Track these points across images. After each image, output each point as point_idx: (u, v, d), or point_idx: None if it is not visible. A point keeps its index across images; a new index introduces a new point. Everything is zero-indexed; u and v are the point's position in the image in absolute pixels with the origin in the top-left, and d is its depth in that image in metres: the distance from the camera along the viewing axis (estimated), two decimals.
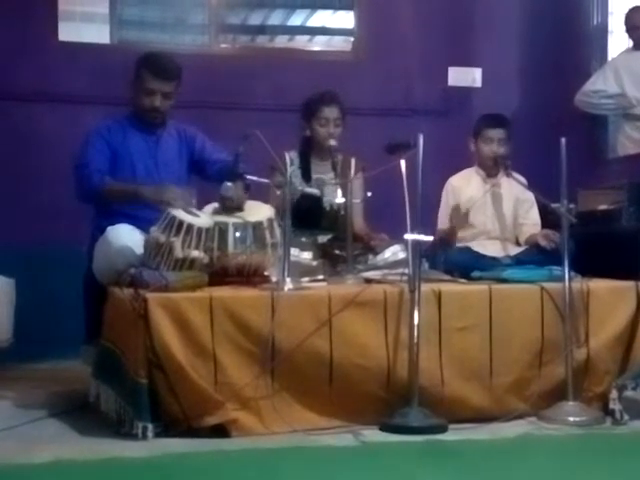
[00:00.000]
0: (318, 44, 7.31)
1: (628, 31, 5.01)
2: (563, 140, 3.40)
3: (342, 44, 6.22)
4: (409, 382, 3.09)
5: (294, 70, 5.22)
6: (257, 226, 3.33)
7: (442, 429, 3.05)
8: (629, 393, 3.30)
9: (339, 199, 3.69)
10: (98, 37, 5.46)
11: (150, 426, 2.91)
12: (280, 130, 4.20)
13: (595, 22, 5.28)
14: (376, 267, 3.64)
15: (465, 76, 5.40)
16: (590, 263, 3.61)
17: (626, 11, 5.04)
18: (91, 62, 4.90)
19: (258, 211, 3.43)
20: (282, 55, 5.70)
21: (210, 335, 2.98)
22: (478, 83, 5.41)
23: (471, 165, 4.23)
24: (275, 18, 7.37)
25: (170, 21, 6.59)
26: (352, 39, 5.81)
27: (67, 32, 5.19)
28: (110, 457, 2.71)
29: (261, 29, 7.19)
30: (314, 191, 3.70)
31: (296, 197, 3.61)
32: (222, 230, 3.28)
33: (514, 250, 3.95)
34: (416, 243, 3.23)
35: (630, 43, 5.04)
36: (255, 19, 7.22)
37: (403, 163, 3.42)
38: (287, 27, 7.16)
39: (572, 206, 3.42)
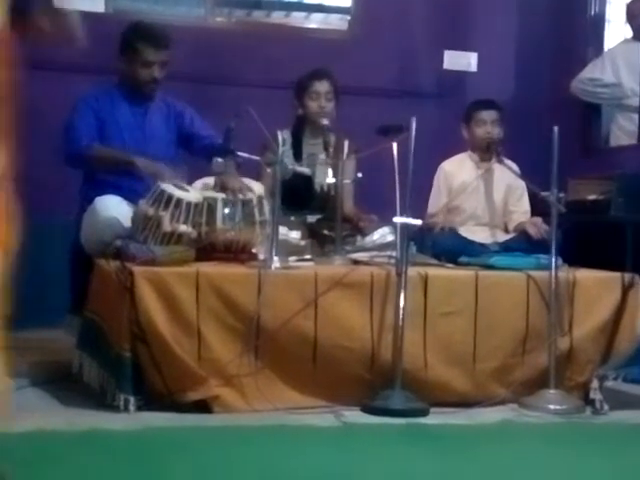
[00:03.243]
0: (314, 21, 7.26)
1: (628, 21, 5.00)
2: (555, 129, 3.40)
3: (338, 22, 6.17)
4: (392, 365, 3.10)
5: (289, 47, 5.18)
6: (246, 203, 3.32)
7: (423, 412, 3.06)
8: (610, 383, 3.31)
9: (329, 179, 3.69)
10: (93, 4, 5.40)
11: (132, 399, 2.91)
12: (273, 107, 4.18)
13: (593, 11, 5.26)
14: (364, 249, 3.64)
15: (460, 60, 5.38)
16: (577, 252, 3.62)
17: (626, 1, 5.02)
18: (85, 30, 4.84)
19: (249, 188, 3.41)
20: (277, 31, 5.66)
21: (195, 310, 2.98)
22: (473, 67, 5.39)
23: (464, 150, 4.22)
24: None
25: None
26: (348, 17, 5.77)
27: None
28: (91, 429, 2.71)
29: (257, 4, 7.14)
30: (305, 170, 3.68)
31: (287, 176, 3.60)
32: (211, 206, 3.27)
33: (502, 237, 3.96)
34: (405, 226, 3.23)
35: (629, 33, 5.02)
36: None
37: (395, 146, 3.40)
38: (284, 3, 7.11)
39: (562, 195, 3.42)
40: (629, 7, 4.97)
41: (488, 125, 4.05)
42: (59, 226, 3.89)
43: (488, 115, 4.06)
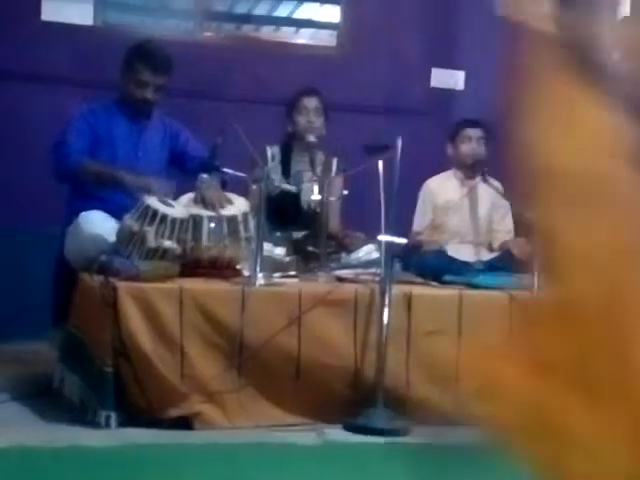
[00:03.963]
0: (303, 36, 7.29)
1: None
2: None
3: (327, 37, 6.20)
4: (375, 383, 3.10)
5: (278, 63, 5.20)
6: (232, 220, 3.33)
7: (405, 431, 3.07)
8: None
9: (316, 196, 3.70)
10: (82, 17, 5.40)
11: (113, 415, 2.91)
12: (262, 123, 4.21)
13: None
14: (349, 266, 3.64)
15: (448, 78, 5.41)
16: None
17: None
18: (73, 43, 4.85)
19: (234, 204, 3.42)
20: (266, 47, 5.68)
21: (179, 327, 2.98)
22: (460, 86, 5.42)
23: (449, 168, 4.24)
24: (262, 8, 7.34)
25: (155, 5, 6.55)
26: (337, 33, 5.80)
27: (50, 11, 5.13)
28: (71, 445, 2.71)
29: (247, 18, 7.16)
30: (291, 188, 3.69)
31: (274, 193, 3.62)
32: (197, 222, 3.27)
33: (487, 255, 3.97)
34: (389, 245, 3.25)
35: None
36: (241, 8, 7.20)
37: (381, 164, 3.42)
38: (273, 18, 7.14)
39: None
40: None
41: (474, 142, 4.08)
42: (44, 236, 3.87)
43: (474, 133, 4.09)
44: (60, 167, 3.57)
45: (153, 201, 3.25)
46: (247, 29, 7.26)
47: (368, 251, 3.66)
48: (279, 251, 3.62)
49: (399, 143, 3.32)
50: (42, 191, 4.14)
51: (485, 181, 4.01)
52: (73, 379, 3.12)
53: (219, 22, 6.79)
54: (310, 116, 4.04)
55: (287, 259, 3.61)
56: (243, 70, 5.09)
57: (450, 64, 5.43)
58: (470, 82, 5.40)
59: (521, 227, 4.01)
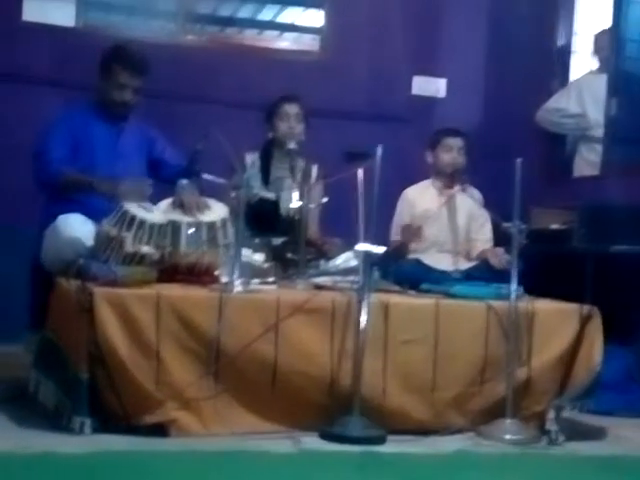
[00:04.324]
0: (287, 40, 7.29)
1: (594, 53, 5.08)
2: (518, 161, 3.44)
3: (311, 41, 6.20)
4: (351, 391, 3.10)
5: (261, 67, 5.20)
6: (211, 226, 3.32)
7: (381, 440, 3.07)
8: (566, 414, 3.35)
9: (295, 203, 3.70)
10: (63, 18, 5.38)
11: (88, 421, 2.89)
12: (243, 127, 4.20)
13: (560, 42, 5.34)
14: (327, 273, 3.65)
15: (429, 86, 5.44)
16: (539, 282, 3.65)
17: (593, 33, 5.11)
18: (55, 44, 4.83)
19: (213, 211, 3.42)
20: (249, 51, 5.67)
21: (155, 333, 2.97)
22: (442, 94, 5.45)
23: (429, 176, 4.26)
24: (245, 11, 7.33)
25: (138, 6, 6.52)
26: (320, 38, 5.80)
27: (31, 12, 5.10)
28: (46, 451, 2.69)
29: (230, 21, 7.15)
30: (270, 196, 3.69)
31: (253, 200, 3.62)
32: (175, 228, 3.27)
33: (465, 265, 3.99)
34: (368, 253, 3.25)
35: (595, 65, 5.10)
36: (225, 10, 7.18)
37: (360, 172, 3.42)
38: (256, 21, 7.13)
39: (523, 226, 3.45)
40: (596, 39, 5.05)
41: (454, 152, 4.10)
42: (21, 238, 3.85)
43: (455, 142, 4.11)
44: (41, 177, 3.58)
45: (131, 206, 3.24)
46: (230, 32, 7.25)
47: (346, 259, 3.66)
48: (258, 257, 3.62)
49: (379, 151, 3.32)
50: (19, 192, 4.13)
51: (464, 190, 4.03)
52: (48, 384, 3.10)
53: (202, 24, 6.78)
54: (291, 122, 4.04)
55: (266, 265, 3.61)
56: (225, 74, 5.09)
57: (432, 72, 5.46)
58: (452, 90, 5.43)
59: (499, 236, 4.03)
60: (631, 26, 4.77)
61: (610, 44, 4.82)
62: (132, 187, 3.37)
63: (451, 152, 4.09)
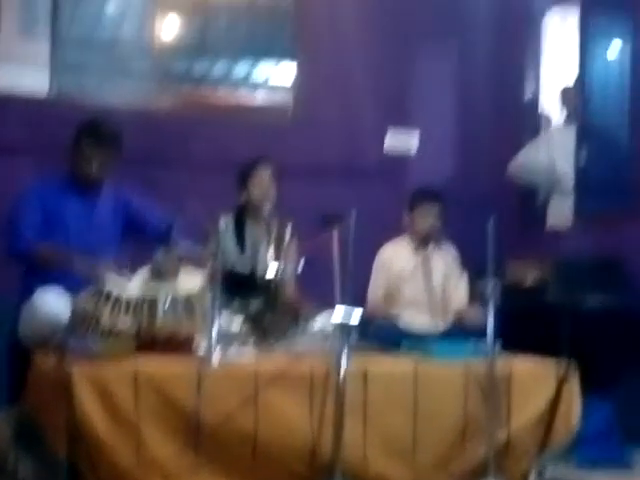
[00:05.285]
0: (261, 92, 7.37)
1: (562, 106, 5.19)
2: (491, 221, 3.47)
3: (284, 94, 6.25)
4: (332, 459, 3.09)
5: (234, 126, 5.26)
6: (188, 298, 3.33)
7: None
8: (549, 471, 3.36)
9: (272, 266, 3.72)
10: (37, 82, 5.40)
11: None
12: (217, 188, 4.24)
13: (528, 96, 5.45)
14: (305, 337, 3.65)
15: (402, 141, 5.50)
16: (515, 337, 3.67)
17: (560, 88, 5.22)
18: (28, 114, 4.86)
19: (190, 280, 3.43)
20: (223, 110, 5.73)
21: (134, 409, 2.96)
22: (414, 148, 5.52)
23: (404, 231, 4.28)
24: (219, 67, 7.42)
25: (112, 66, 6.58)
26: (292, 92, 5.85)
27: (4, 75, 5.13)
28: None
29: (204, 79, 7.22)
30: (244, 270, 3.72)
31: (229, 266, 3.64)
32: (152, 300, 3.27)
33: (441, 323, 4.01)
34: (345, 316, 3.25)
35: (562, 119, 5.20)
36: (199, 68, 7.26)
37: (335, 235, 3.45)
38: (230, 79, 7.20)
39: (497, 284, 3.48)
40: (563, 93, 5.16)
41: (430, 218, 4.12)
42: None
43: (432, 208, 4.13)
44: (12, 251, 3.59)
45: (108, 280, 3.25)
46: (205, 89, 7.32)
47: (324, 322, 3.67)
48: (236, 324, 3.62)
49: (353, 214, 3.35)
50: None
51: (439, 248, 4.07)
52: (26, 462, 3.07)
53: (177, 83, 6.84)
54: (265, 186, 4.08)
55: (243, 332, 3.61)
56: (199, 136, 5.14)
57: (404, 127, 5.53)
58: (424, 144, 5.50)
59: (475, 292, 4.07)
60: (596, 80, 4.88)
61: (577, 98, 4.92)
62: (109, 268, 3.37)
63: (428, 218, 4.13)
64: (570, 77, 5.10)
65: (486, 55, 5.47)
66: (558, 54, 5.41)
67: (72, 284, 3.41)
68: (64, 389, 2.90)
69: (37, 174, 4.04)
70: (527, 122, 5.43)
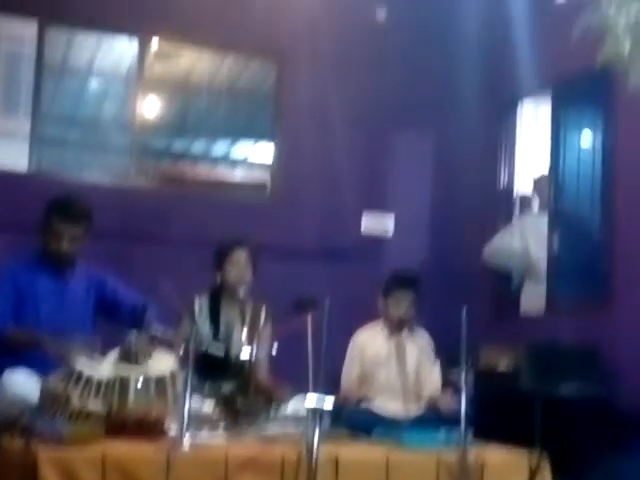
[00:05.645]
0: (240, 170, 7.46)
1: (535, 194, 5.30)
2: (464, 309, 3.48)
3: (262, 172, 6.32)
4: None
5: (211, 204, 5.31)
6: (159, 380, 3.30)
7: None
8: None
9: (245, 349, 3.71)
10: (16, 162, 5.41)
11: None
12: (193, 267, 4.25)
13: (502, 185, 5.56)
14: (277, 421, 3.62)
15: (378, 223, 5.57)
16: (488, 424, 3.67)
17: (533, 177, 5.34)
18: (6, 188, 4.88)
19: (162, 363, 3.40)
20: (200, 188, 5.79)
21: None
22: (390, 230, 5.58)
23: (379, 315, 4.29)
24: (199, 145, 7.53)
25: (93, 143, 6.65)
26: (270, 172, 5.92)
27: None
28: None
29: (183, 156, 7.32)
30: (218, 353, 3.70)
31: (202, 348, 3.61)
32: (123, 383, 3.23)
33: (414, 410, 4.00)
34: (319, 402, 3.23)
35: (536, 206, 5.30)
36: (179, 145, 7.36)
37: (309, 319, 3.45)
38: (209, 156, 7.31)
39: (470, 372, 3.48)
40: (536, 182, 5.27)
41: (404, 305, 4.13)
42: None
43: (406, 295, 4.14)
44: None
45: (79, 361, 3.22)
46: (184, 165, 7.41)
47: (296, 406, 3.64)
48: (207, 407, 3.58)
49: (327, 301, 3.35)
50: None
51: (412, 333, 4.07)
52: None
53: (157, 159, 6.92)
54: (241, 268, 4.07)
55: (215, 415, 3.58)
56: (176, 214, 5.17)
57: (380, 208, 5.61)
58: (400, 228, 5.57)
59: (448, 378, 4.06)
60: (568, 169, 4.99)
61: (549, 186, 5.02)
62: (80, 348, 3.34)
63: (401, 304, 4.13)
64: (544, 165, 5.21)
65: (462, 142, 5.59)
66: (532, 143, 5.54)
67: (43, 366, 3.37)
68: (30, 472, 2.84)
69: (15, 251, 4.01)
70: (502, 208, 5.52)
